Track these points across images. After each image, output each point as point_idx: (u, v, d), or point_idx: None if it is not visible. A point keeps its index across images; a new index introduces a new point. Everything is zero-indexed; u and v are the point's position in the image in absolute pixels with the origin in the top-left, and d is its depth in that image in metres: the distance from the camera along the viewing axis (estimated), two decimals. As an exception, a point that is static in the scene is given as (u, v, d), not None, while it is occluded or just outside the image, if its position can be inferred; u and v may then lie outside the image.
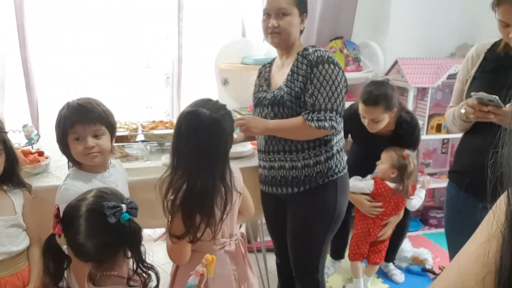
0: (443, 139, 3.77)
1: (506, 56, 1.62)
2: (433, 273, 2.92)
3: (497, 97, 1.45)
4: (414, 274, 2.94)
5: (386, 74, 3.54)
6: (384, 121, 2.40)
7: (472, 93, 1.53)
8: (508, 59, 1.61)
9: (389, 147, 2.52)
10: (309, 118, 1.70)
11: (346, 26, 3.66)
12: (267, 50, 3.32)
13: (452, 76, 3.34)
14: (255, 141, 2.11)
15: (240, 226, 1.72)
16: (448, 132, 3.47)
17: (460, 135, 1.80)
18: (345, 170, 1.88)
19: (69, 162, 1.60)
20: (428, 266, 2.96)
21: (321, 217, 1.85)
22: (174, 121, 2.70)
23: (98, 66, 2.87)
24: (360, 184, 2.53)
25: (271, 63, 2.02)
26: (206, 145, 1.43)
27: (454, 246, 1.83)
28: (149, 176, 1.88)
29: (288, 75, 1.79)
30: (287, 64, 1.86)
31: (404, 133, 2.49)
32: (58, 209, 1.18)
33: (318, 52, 1.75)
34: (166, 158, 2.12)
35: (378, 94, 2.33)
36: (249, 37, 3.46)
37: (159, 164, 2.05)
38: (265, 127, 1.76)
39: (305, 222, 1.86)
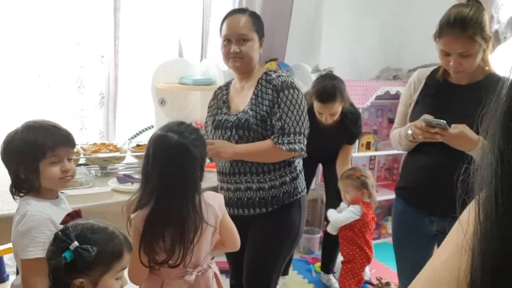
0: (370, 156, 4.01)
1: (444, 82, 1.77)
2: (371, 284, 3.07)
3: (444, 121, 1.59)
4: (354, 287, 3.06)
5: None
6: (338, 112, 2.56)
7: (422, 117, 1.65)
8: (446, 85, 1.76)
9: (339, 179, 2.70)
10: (279, 141, 1.73)
11: (280, 48, 3.77)
12: (204, 70, 3.33)
13: (379, 97, 3.60)
14: (212, 163, 2.09)
15: (212, 258, 1.62)
16: (376, 149, 3.70)
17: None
18: (305, 189, 1.94)
19: (16, 191, 1.46)
20: (366, 278, 3.10)
21: (286, 236, 1.87)
22: (113, 142, 2.60)
23: (29, 86, 2.68)
24: (346, 214, 2.62)
25: (227, 85, 2.02)
26: (173, 171, 1.40)
27: (403, 258, 1.95)
28: (99, 202, 1.79)
29: (252, 98, 1.81)
30: (247, 87, 1.88)
31: (350, 123, 2.67)
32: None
33: (281, 77, 1.81)
34: (113, 183, 2.02)
35: (333, 89, 2.47)
36: (186, 57, 3.44)
37: (108, 189, 1.94)
38: (234, 152, 1.76)
39: (269, 242, 1.87)
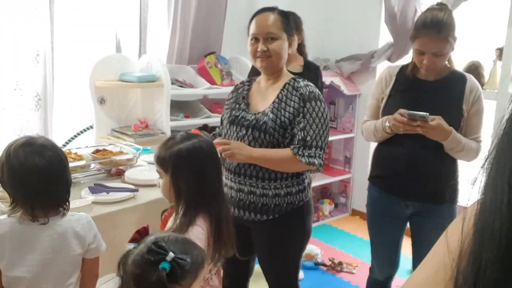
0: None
1: (414, 78, 1.93)
2: (325, 265, 3.25)
3: (427, 114, 1.74)
4: (309, 269, 3.22)
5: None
6: None
7: (404, 111, 1.79)
8: (416, 80, 1.93)
9: None
10: (299, 152, 1.70)
11: (216, 41, 3.76)
12: (144, 66, 3.20)
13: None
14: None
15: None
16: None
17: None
18: (310, 198, 1.92)
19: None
20: (319, 260, 3.28)
21: (293, 240, 1.87)
22: (73, 150, 2.40)
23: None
24: None
25: (250, 82, 1.95)
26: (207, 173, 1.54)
27: (378, 241, 2.10)
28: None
29: (274, 101, 1.77)
30: (272, 89, 1.82)
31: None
32: None
33: (309, 87, 1.78)
34: (87, 194, 1.90)
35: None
36: (124, 53, 3.27)
37: (88, 202, 1.81)
38: (250, 155, 1.71)
39: (277, 247, 1.84)
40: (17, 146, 1.41)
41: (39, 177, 1.39)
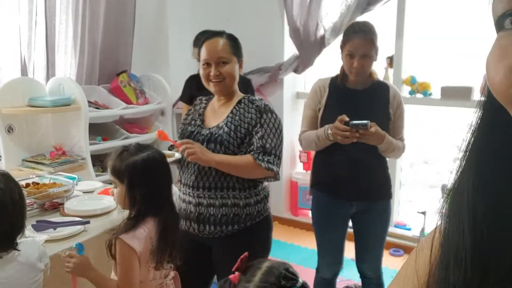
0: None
1: (344, 88, 2.13)
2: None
3: (368, 121, 1.93)
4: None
5: (174, 105, 3.75)
6: None
7: (343, 117, 1.95)
8: (346, 90, 2.12)
9: None
10: (259, 157, 1.75)
11: (126, 59, 3.67)
12: (54, 89, 3.00)
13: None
14: None
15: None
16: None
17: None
18: (269, 212, 1.96)
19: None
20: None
21: (253, 256, 1.88)
22: None
23: None
24: None
25: (208, 100, 1.98)
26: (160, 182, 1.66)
27: (325, 241, 2.24)
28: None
29: (228, 116, 1.82)
30: (225, 107, 1.87)
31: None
32: None
33: (262, 101, 1.86)
34: (32, 233, 1.76)
35: None
36: (30, 75, 3.03)
37: (41, 241, 1.66)
38: (212, 158, 1.73)
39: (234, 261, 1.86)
40: None
41: None
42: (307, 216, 4.16)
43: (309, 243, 3.77)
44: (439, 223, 0.47)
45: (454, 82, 3.45)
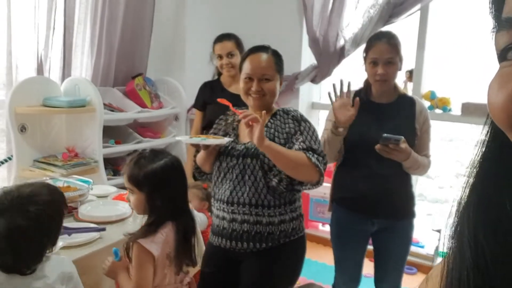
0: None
1: (368, 102, 2.05)
2: None
3: (402, 137, 1.87)
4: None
5: (189, 110, 3.69)
6: None
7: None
8: (371, 104, 2.05)
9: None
10: (309, 153, 1.69)
11: (142, 62, 3.62)
12: (69, 89, 2.96)
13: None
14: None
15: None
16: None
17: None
18: (304, 232, 1.89)
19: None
20: None
21: (281, 276, 1.82)
22: None
23: None
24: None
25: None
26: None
27: (344, 258, 2.17)
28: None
29: (266, 129, 1.75)
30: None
31: None
32: None
33: (297, 111, 1.83)
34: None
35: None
36: (46, 74, 2.99)
37: (56, 249, 1.60)
38: (267, 141, 1.64)
39: (264, 280, 1.77)
40: None
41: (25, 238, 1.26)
42: (317, 228, 4.08)
43: (319, 256, 3.69)
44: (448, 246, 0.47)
45: (475, 98, 3.38)
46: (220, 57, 2.77)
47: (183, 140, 1.72)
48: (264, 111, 1.70)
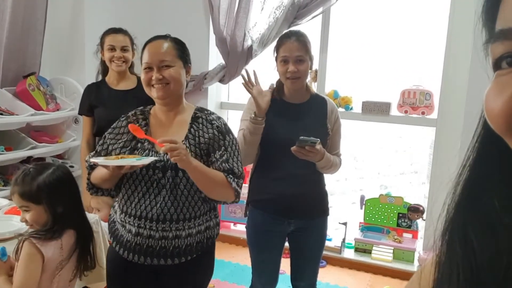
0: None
1: (282, 102, 2.05)
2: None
3: (318, 139, 1.88)
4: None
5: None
6: None
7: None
8: (284, 104, 2.04)
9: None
10: (230, 177, 1.61)
11: (34, 60, 3.30)
12: None
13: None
14: None
15: None
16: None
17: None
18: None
19: None
20: None
21: (203, 281, 1.78)
22: None
23: None
24: None
25: (143, 113, 1.72)
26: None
27: (261, 261, 2.14)
28: None
29: (188, 138, 1.63)
30: (178, 123, 1.67)
31: None
32: None
33: (221, 119, 1.71)
34: None
35: None
36: None
37: None
38: (191, 162, 1.51)
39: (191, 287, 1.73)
40: None
41: None
42: (229, 229, 4.06)
43: (232, 257, 3.68)
44: (438, 242, 0.50)
45: (373, 97, 3.60)
46: (112, 49, 2.59)
47: (99, 163, 1.52)
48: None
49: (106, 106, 2.58)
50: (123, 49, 2.60)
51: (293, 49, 1.96)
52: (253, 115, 1.96)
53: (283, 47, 1.98)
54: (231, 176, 1.64)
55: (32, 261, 1.48)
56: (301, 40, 1.98)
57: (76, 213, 1.63)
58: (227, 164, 1.64)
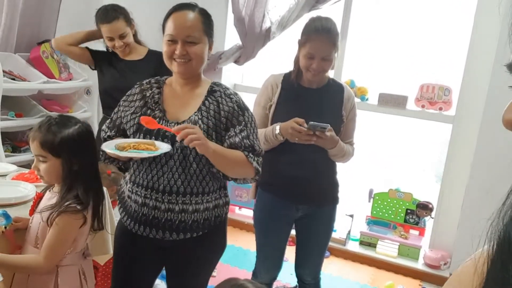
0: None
1: (299, 86, 2.00)
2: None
3: (329, 125, 1.83)
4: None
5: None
6: None
7: (301, 120, 1.83)
8: (301, 89, 2.00)
9: None
10: (251, 156, 1.56)
11: (49, 28, 3.25)
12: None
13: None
14: None
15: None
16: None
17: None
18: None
19: None
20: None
21: (214, 259, 1.75)
22: None
23: None
24: None
25: (158, 83, 1.66)
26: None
27: (266, 244, 2.12)
28: None
29: (201, 110, 1.57)
30: (193, 95, 1.61)
31: None
32: None
33: (238, 95, 1.65)
34: None
35: None
36: None
37: None
38: (210, 147, 1.46)
39: (196, 265, 1.67)
40: None
41: None
42: (234, 212, 4.04)
43: (235, 240, 3.66)
44: (485, 247, 0.49)
45: (389, 90, 3.52)
46: (111, 39, 2.60)
47: (109, 151, 1.49)
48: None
49: (113, 74, 2.70)
50: (121, 36, 2.59)
51: (321, 49, 1.86)
52: (278, 132, 1.89)
53: (311, 43, 1.87)
54: (251, 155, 1.59)
55: (73, 230, 1.51)
56: (332, 38, 1.87)
57: (90, 173, 1.58)
58: (248, 141, 1.59)
